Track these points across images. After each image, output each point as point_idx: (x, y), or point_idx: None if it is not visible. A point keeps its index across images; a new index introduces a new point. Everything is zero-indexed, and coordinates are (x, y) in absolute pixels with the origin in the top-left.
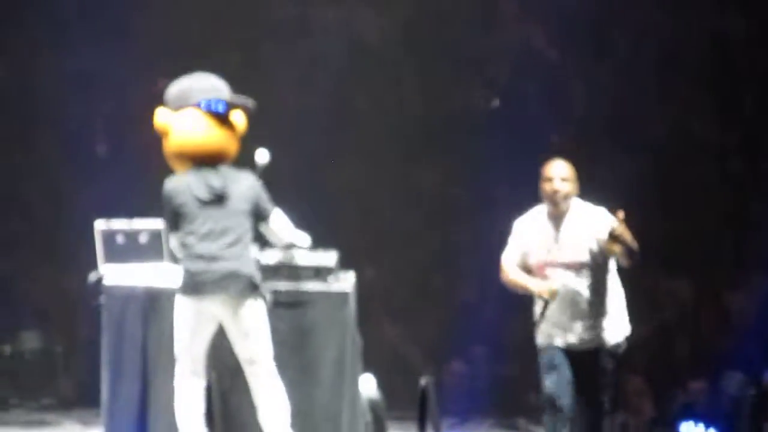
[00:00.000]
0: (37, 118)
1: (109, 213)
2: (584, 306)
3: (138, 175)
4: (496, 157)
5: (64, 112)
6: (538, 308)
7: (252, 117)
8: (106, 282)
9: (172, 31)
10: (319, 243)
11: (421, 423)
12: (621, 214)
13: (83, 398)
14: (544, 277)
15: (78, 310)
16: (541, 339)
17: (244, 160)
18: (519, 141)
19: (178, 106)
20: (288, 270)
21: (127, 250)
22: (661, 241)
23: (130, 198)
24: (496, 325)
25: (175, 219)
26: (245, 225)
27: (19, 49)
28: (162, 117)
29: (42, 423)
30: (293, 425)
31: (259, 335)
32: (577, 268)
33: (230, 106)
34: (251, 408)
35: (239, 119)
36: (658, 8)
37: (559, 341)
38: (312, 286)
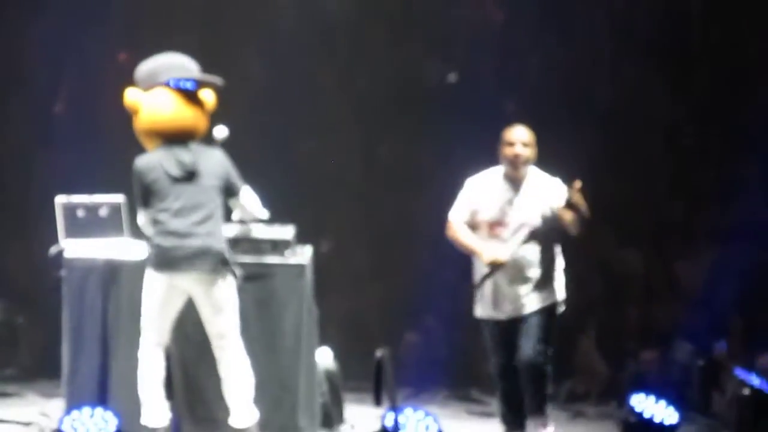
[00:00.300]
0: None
1: (73, 185)
2: (530, 273)
3: (102, 147)
4: (455, 130)
5: (29, 81)
6: (478, 273)
7: (220, 94)
8: (67, 255)
9: (135, 3)
10: (277, 216)
11: (377, 394)
12: (578, 183)
13: (44, 370)
14: (494, 236)
15: (39, 283)
16: (481, 311)
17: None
18: (476, 112)
19: (147, 86)
20: (246, 243)
21: (88, 224)
22: (612, 210)
23: (94, 171)
24: (452, 296)
25: (146, 196)
26: (216, 201)
27: None
28: (132, 96)
29: (2, 394)
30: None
31: (229, 310)
32: (527, 231)
33: (199, 84)
34: (213, 379)
35: (208, 97)
36: None
37: (501, 314)
38: (269, 259)
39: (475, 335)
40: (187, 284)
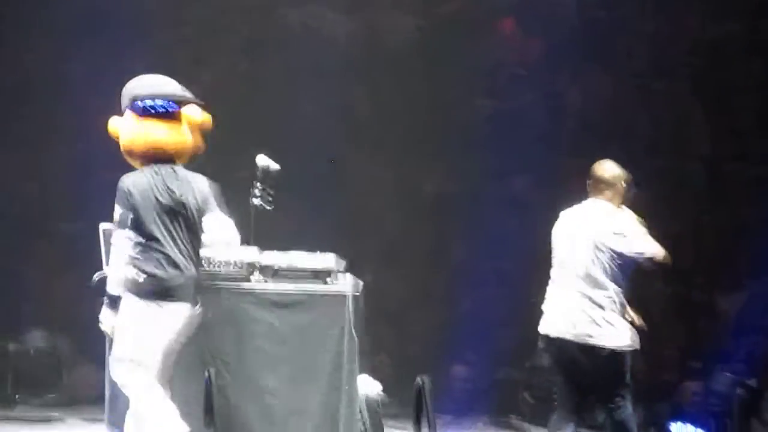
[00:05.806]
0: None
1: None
2: None
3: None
4: (498, 162)
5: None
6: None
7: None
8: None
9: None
10: (320, 246)
11: (417, 420)
12: None
13: (88, 396)
14: None
15: (83, 309)
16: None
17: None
18: (519, 146)
19: (122, 110)
20: (287, 271)
21: None
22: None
23: None
24: (493, 328)
25: (131, 217)
26: (200, 231)
27: None
28: (111, 122)
29: (46, 420)
30: (292, 423)
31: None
32: None
33: (178, 103)
34: (251, 403)
35: (193, 113)
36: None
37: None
38: (311, 286)
39: (515, 367)
40: (175, 314)
